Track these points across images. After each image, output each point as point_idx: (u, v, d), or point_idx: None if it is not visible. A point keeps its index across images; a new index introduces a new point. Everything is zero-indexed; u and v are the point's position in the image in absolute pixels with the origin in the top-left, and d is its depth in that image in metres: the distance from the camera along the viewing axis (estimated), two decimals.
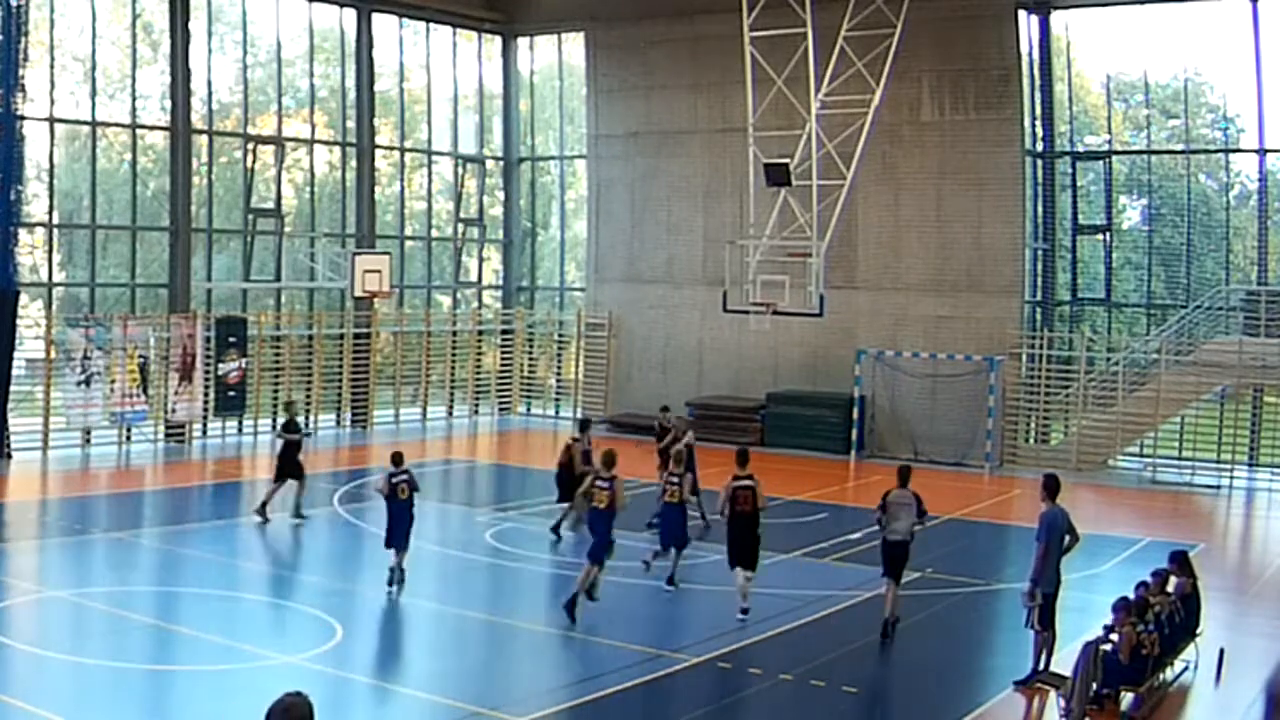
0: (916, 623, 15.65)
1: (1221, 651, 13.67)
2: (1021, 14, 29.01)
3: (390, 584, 15.97)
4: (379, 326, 32.70)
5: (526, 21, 35.61)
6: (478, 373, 35.27)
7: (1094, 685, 12.09)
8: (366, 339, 32.03)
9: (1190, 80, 29.34)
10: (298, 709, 5.30)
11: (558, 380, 36.45)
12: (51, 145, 26.66)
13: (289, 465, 20.16)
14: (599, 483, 15.67)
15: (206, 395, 28.18)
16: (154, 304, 28.89)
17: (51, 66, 26.45)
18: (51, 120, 26.45)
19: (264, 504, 19.88)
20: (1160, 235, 29.77)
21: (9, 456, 25.11)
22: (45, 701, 11.54)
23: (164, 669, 13.13)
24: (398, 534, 16.06)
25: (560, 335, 36.16)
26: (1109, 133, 30.28)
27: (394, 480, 16.14)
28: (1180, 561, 14.37)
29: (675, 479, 17.07)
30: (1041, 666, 13.18)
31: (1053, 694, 12.58)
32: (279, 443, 20.61)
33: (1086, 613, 14.90)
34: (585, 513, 16.96)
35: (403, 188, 34.58)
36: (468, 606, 16.24)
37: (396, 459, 16.45)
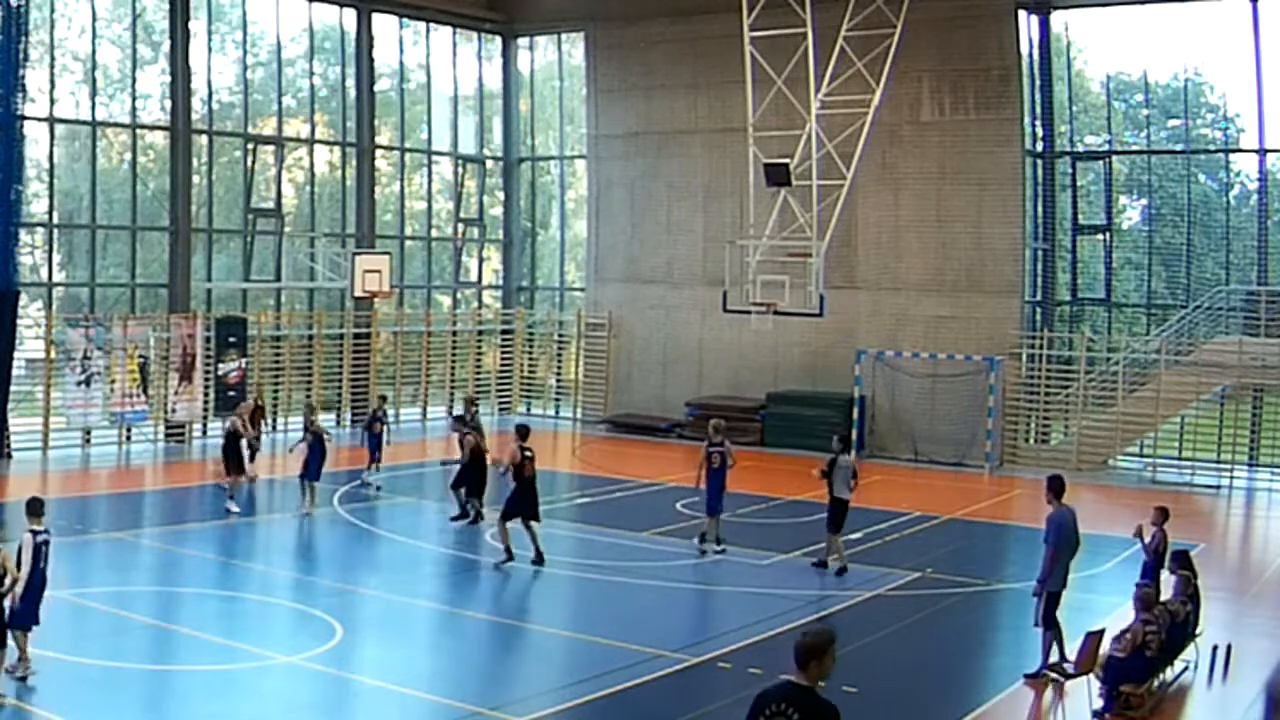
0: (916, 622, 15.66)
1: (1229, 648, 13.68)
2: (1021, 14, 29.00)
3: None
4: (379, 326, 32.68)
5: (526, 21, 35.61)
6: (478, 373, 35.26)
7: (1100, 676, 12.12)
8: (366, 339, 32.03)
9: (1190, 80, 29.34)
10: (825, 634, 6.67)
11: (558, 380, 36.43)
12: (51, 145, 26.66)
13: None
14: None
15: (206, 395, 28.18)
16: (154, 304, 28.88)
17: (51, 66, 26.44)
18: (51, 120, 26.44)
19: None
20: (1160, 235, 29.75)
21: (9, 456, 25.10)
22: (45, 701, 11.53)
23: (164, 669, 13.11)
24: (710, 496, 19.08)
25: (560, 335, 36.14)
26: (1109, 133, 30.27)
27: (709, 450, 19.05)
28: (1181, 561, 14.37)
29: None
30: (1053, 660, 13.20)
31: (1089, 679, 12.42)
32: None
33: (1086, 612, 14.90)
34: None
35: (403, 188, 34.57)
36: (468, 606, 16.24)
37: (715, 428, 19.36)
